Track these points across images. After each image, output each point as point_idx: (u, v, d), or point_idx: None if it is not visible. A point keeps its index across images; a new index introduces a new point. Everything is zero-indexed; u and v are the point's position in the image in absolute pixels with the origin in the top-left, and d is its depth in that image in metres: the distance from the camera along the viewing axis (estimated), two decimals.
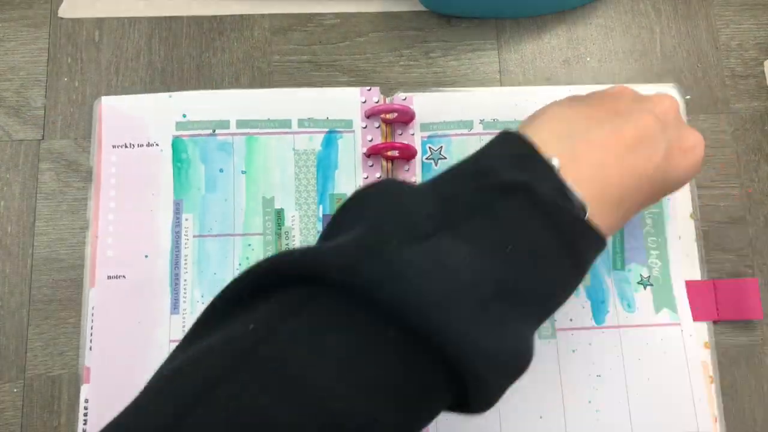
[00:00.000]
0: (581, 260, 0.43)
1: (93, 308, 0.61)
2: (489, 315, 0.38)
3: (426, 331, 0.36)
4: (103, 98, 0.65)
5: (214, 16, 0.69)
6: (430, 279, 0.37)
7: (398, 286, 0.37)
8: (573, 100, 0.50)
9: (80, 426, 0.59)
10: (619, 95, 0.50)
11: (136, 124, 0.63)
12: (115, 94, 0.67)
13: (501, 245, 0.40)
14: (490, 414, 0.58)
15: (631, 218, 0.49)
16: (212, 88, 0.67)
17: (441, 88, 0.66)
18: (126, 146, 0.63)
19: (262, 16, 0.69)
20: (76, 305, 0.62)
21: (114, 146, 0.63)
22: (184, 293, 0.61)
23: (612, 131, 0.45)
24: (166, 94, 0.65)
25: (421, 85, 0.68)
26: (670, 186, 0.50)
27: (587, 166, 0.44)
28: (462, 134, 0.64)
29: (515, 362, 0.39)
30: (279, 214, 0.62)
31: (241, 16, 0.69)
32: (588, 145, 0.45)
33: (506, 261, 0.40)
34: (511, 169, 0.42)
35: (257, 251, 0.62)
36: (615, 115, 0.47)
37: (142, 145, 0.63)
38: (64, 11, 0.69)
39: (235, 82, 0.67)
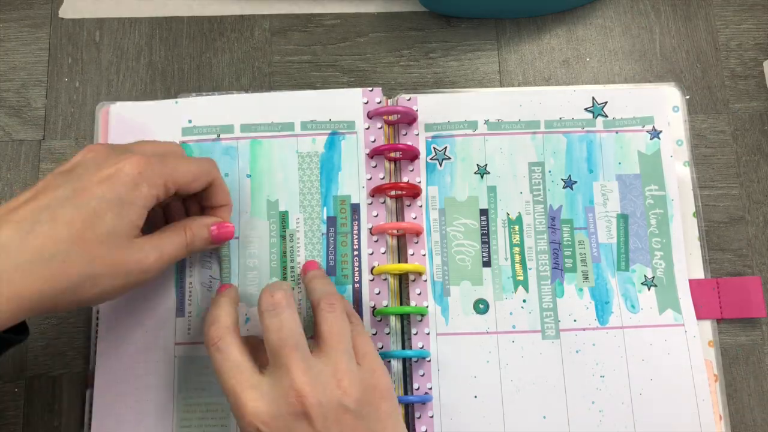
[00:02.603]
0: None
1: (98, 312, 0.60)
2: None
3: None
4: (111, 105, 0.64)
5: (215, 17, 0.69)
6: None
7: None
8: None
9: (85, 430, 0.59)
10: None
11: (143, 130, 0.63)
12: (116, 94, 0.67)
13: None
14: (494, 414, 0.59)
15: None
16: (212, 89, 0.67)
17: (444, 89, 0.67)
18: None
19: (263, 16, 0.69)
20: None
21: None
22: (189, 296, 0.61)
23: None
24: (171, 101, 0.65)
25: (422, 86, 0.68)
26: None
27: None
28: (466, 134, 0.64)
29: None
30: (283, 217, 0.62)
31: (242, 16, 0.69)
32: None
33: None
34: None
35: (262, 254, 0.62)
36: None
37: None
38: (65, 11, 0.68)
39: (236, 83, 0.67)
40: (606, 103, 0.65)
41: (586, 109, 0.65)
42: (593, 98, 0.65)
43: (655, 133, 0.64)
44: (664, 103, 0.65)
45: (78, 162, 0.49)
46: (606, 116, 0.65)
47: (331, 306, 0.53)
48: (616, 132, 0.64)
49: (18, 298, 0.44)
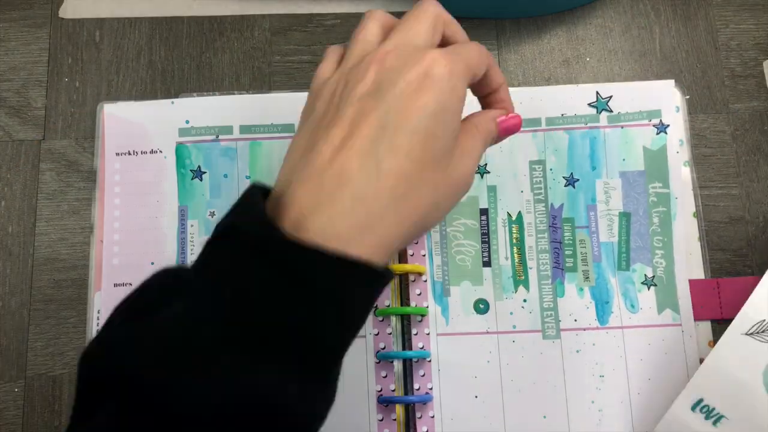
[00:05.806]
0: (324, 287, 0.38)
1: (98, 312, 0.61)
2: (211, 368, 0.36)
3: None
4: (106, 105, 0.64)
5: (215, 17, 0.69)
6: (140, 347, 0.37)
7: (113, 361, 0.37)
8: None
9: None
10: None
11: (139, 131, 0.63)
12: (116, 94, 0.67)
13: (219, 293, 0.38)
14: (495, 413, 0.58)
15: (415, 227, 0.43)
16: (212, 89, 0.67)
17: None
18: (129, 153, 0.63)
19: (262, 16, 0.69)
20: (77, 305, 0.62)
21: (117, 153, 0.63)
22: None
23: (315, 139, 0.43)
24: (168, 101, 0.65)
25: None
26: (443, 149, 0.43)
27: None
28: None
29: (248, 410, 0.36)
30: None
31: (241, 16, 0.69)
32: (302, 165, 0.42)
33: (230, 307, 0.37)
34: (226, 216, 0.42)
35: None
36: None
37: (145, 152, 0.63)
38: (65, 11, 0.68)
39: (236, 83, 0.67)
40: (611, 97, 0.65)
41: (589, 104, 0.65)
42: (597, 92, 0.65)
43: (663, 128, 0.64)
44: (672, 97, 0.65)
45: (380, 80, 0.42)
46: (611, 111, 0.64)
47: None
48: (621, 127, 0.64)
49: (384, 246, 0.41)
